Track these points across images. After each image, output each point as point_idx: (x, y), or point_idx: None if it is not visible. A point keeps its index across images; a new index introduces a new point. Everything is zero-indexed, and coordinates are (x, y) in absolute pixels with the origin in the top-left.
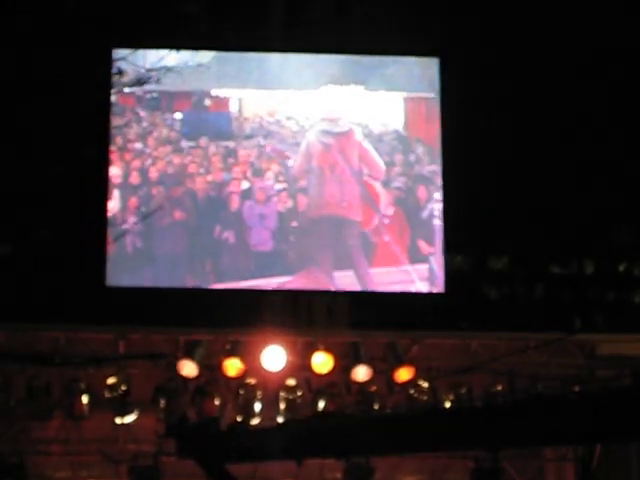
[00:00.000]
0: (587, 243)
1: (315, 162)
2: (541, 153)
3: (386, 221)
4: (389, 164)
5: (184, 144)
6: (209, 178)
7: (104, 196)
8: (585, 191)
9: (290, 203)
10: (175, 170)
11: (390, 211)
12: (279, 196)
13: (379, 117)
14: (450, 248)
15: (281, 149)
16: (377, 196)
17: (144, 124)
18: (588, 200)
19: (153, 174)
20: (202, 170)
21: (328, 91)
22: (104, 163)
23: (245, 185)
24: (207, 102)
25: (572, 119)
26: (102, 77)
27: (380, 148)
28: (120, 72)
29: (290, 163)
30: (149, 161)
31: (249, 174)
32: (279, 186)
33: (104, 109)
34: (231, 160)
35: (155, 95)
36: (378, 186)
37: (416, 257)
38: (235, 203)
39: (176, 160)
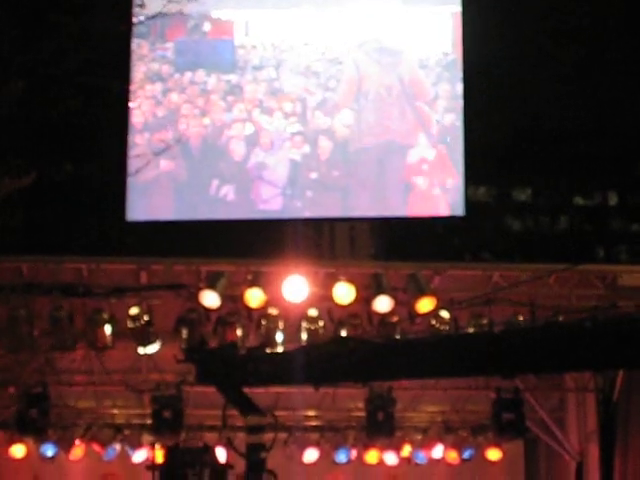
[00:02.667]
0: (611, 175)
1: (368, 85)
2: (566, 88)
3: (431, 157)
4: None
5: (176, 78)
6: (206, 121)
7: (125, 131)
8: (610, 124)
9: (307, 149)
10: (164, 112)
11: (431, 153)
12: (292, 141)
13: (425, 36)
14: (473, 179)
15: (298, 82)
16: (430, 124)
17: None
18: (612, 133)
19: (137, 119)
20: (197, 111)
21: (358, 7)
22: (125, 97)
23: (250, 129)
24: (206, 27)
25: (597, 52)
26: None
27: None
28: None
29: (310, 100)
30: (135, 103)
31: (255, 115)
32: (293, 128)
33: (126, 42)
34: (233, 98)
35: (142, 19)
36: (430, 113)
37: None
38: (237, 151)
39: (165, 99)
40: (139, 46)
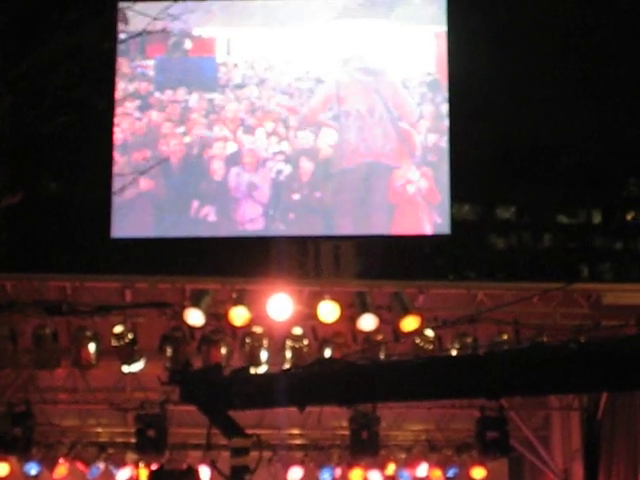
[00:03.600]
0: (595, 193)
1: (351, 104)
2: (551, 107)
3: (418, 175)
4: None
5: (157, 97)
6: (186, 139)
7: (110, 149)
8: (593, 143)
9: (289, 169)
10: (144, 130)
11: (416, 174)
12: (275, 161)
13: (408, 55)
14: (457, 198)
15: (280, 101)
16: (414, 145)
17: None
18: (596, 152)
19: (118, 136)
20: (178, 129)
21: (342, 26)
22: (109, 114)
23: (231, 148)
24: (187, 44)
25: (586, 64)
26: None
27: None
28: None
29: (292, 119)
30: (115, 120)
31: (238, 134)
32: (275, 148)
33: (110, 58)
34: (214, 116)
35: (122, 37)
36: (414, 133)
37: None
38: (218, 171)
39: (145, 118)
40: (120, 63)
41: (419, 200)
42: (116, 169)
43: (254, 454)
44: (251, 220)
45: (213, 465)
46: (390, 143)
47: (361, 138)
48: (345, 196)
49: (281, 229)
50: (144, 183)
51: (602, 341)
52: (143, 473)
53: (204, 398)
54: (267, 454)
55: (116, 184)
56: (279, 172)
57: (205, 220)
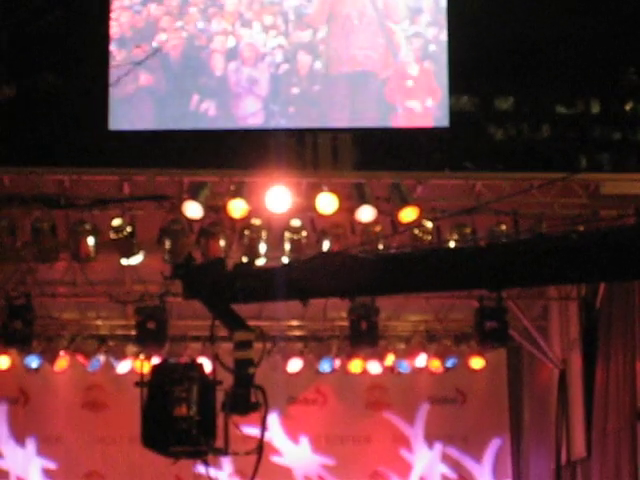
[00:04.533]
0: (593, 83)
1: (340, 7)
2: None
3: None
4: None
5: None
6: (185, 34)
7: (107, 40)
8: (592, 33)
9: (289, 64)
10: (143, 24)
11: (414, 69)
12: (273, 55)
13: None
14: (456, 90)
15: None
16: (398, 46)
17: None
18: (594, 41)
19: (115, 30)
20: (178, 23)
21: None
22: (105, 7)
23: (231, 42)
24: None
25: None
26: None
27: None
28: None
29: (292, 13)
30: (114, 14)
31: (236, 28)
32: (273, 42)
33: None
34: (213, 10)
35: None
36: (400, 34)
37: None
38: (218, 65)
39: (144, 11)
40: None
41: (417, 93)
42: (114, 63)
43: (258, 346)
44: (251, 114)
45: (217, 359)
46: (389, 40)
47: (358, 36)
48: (343, 90)
49: (281, 123)
50: (144, 78)
51: (602, 231)
52: (146, 367)
53: (207, 292)
54: (266, 345)
55: (113, 77)
56: (278, 66)
57: (205, 115)
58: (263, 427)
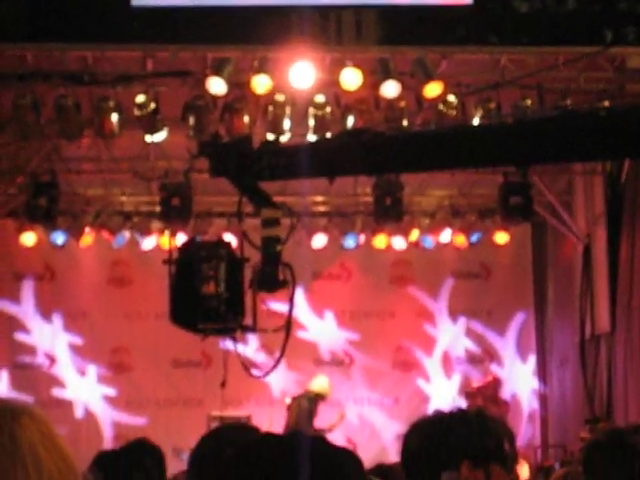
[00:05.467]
0: None
1: None
2: None
3: None
4: None
5: None
6: None
7: None
8: None
9: None
10: None
11: None
12: None
13: None
14: None
15: None
16: None
17: None
18: None
19: None
20: None
21: None
22: None
23: None
24: None
25: None
26: None
27: None
28: None
29: None
30: None
31: None
32: None
33: None
34: None
35: None
36: None
37: None
38: None
39: None
40: None
41: None
42: None
43: (285, 223)
44: None
45: (244, 236)
46: None
47: None
48: None
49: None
50: None
51: (628, 106)
52: (172, 243)
53: (234, 170)
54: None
55: None
56: None
57: None
58: (291, 304)
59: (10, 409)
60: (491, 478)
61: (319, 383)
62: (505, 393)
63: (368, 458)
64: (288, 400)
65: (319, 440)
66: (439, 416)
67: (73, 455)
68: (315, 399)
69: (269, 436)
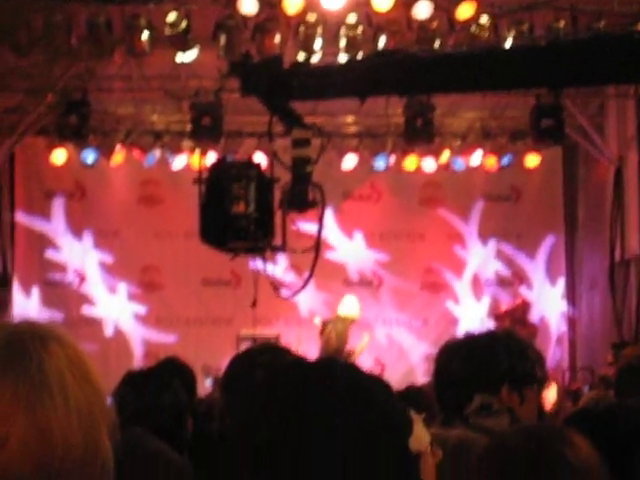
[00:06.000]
0: None
1: None
2: None
3: None
4: None
5: None
6: None
7: None
8: None
9: None
10: None
11: None
12: None
13: None
14: None
15: None
16: None
17: None
18: None
19: None
20: None
21: None
22: None
23: None
24: None
25: None
26: None
27: None
28: None
29: None
30: None
31: None
32: None
33: None
34: None
35: None
36: None
37: None
38: None
39: None
40: None
41: None
42: None
43: (315, 143)
44: None
45: (275, 156)
46: None
47: None
48: None
49: None
50: None
51: None
52: (202, 161)
53: (264, 90)
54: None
55: None
56: None
57: None
58: (320, 225)
59: (39, 335)
60: (525, 401)
61: (348, 304)
62: (534, 316)
63: (396, 379)
64: (317, 320)
65: (353, 368)
66: (475, 339)
67: (101, 378)
68: (348, 324)
69: (301, 361)
